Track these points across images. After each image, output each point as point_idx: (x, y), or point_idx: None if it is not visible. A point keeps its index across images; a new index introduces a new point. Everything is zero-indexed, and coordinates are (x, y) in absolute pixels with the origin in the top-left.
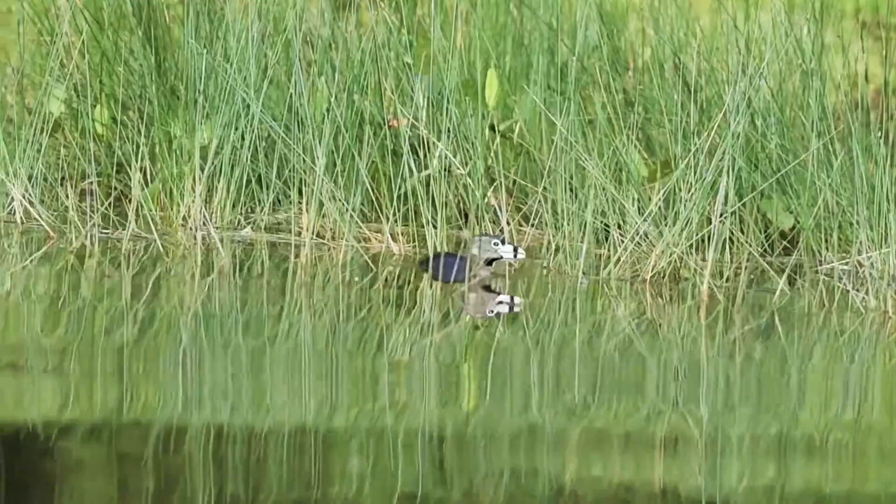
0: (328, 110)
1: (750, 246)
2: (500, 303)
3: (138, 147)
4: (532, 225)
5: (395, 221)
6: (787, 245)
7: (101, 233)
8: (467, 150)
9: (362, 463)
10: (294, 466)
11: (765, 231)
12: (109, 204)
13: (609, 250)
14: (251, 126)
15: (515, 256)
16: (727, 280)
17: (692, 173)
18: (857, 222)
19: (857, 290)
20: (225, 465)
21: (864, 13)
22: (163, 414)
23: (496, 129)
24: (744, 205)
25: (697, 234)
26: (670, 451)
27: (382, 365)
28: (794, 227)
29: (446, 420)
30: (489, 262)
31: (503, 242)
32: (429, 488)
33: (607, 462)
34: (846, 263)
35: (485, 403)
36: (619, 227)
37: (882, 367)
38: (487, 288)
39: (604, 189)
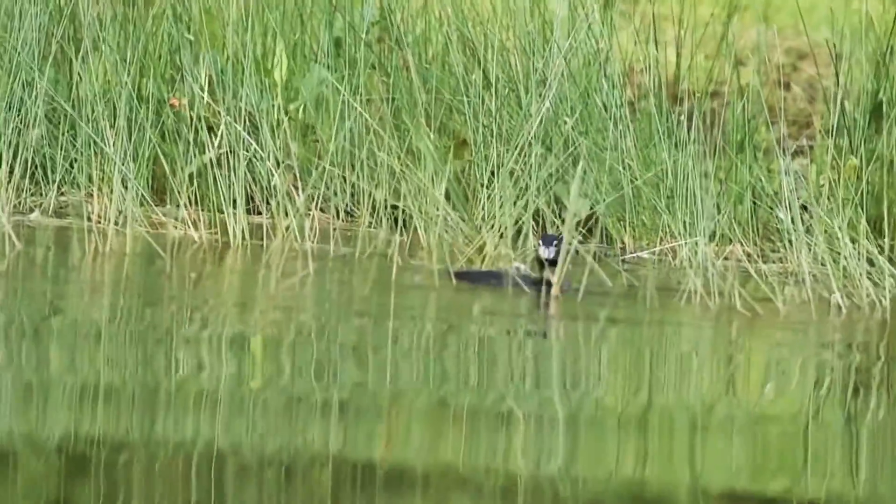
0: (107, 89)
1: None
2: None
3: None
4: (321, 209)
5: (188, 205)
6: (585, 232)
7: None
8: (256, 131)
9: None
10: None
11: (559, 216)
12: None
13: (408, 237)
14: (35, 106)
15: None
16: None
17: (491, 158)
18: (665, 208)
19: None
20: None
21: None
22: None
23: (284, 108)
24: (538, 190)
25: (509, 221)
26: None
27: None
28: (591, 214)
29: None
30: (541, 263)
31: (546, 243)
32: None
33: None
34: (654, 253)
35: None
36: (421, 212)
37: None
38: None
39: (398, 172)
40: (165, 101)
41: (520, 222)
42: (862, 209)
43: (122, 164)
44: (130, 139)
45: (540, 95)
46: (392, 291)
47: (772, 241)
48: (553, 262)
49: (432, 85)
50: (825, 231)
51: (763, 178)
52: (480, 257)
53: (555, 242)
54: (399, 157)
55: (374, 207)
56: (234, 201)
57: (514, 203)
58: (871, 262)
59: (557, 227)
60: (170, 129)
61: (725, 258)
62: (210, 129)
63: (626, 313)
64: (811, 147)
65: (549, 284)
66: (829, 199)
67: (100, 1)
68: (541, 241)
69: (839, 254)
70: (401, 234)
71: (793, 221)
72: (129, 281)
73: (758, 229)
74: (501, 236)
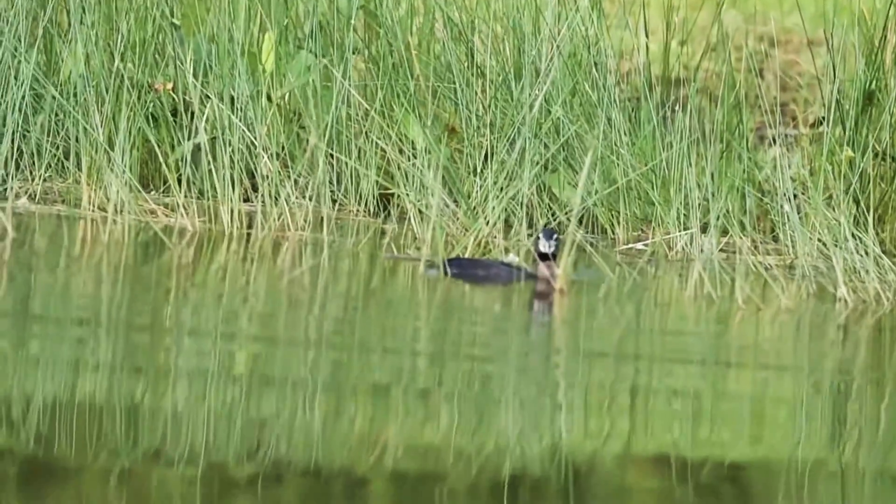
0: (87, 73)
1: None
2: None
3: None
4: (309, 198)
5: (178, 192)
6: (577, 224)
7: None
8: (243, 116)
9: None
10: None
11: (549, 207)
12: None
13: (400, 226)
14: (21, 91)
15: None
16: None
17: (485, 147)
18: (658, 198)
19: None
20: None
21: None
22: None
23: (270, 96)
24: (531, 181)
25: (500, 212)
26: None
27: None
28: (582, 204)
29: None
30: (542, 257)
31: (547, 237)
32: None
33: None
34: (647, 244)
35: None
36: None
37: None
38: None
39: (390, 157)
40: (152, 86)
41: (510, 212)
42: (866, 202)
43: (112, 151)
44: (118, 126)
45: (531, 85)
46: (385, 285)
47: (771, 231)
48: (552, 257)
49: (428, 72)
50: (825, 222)
51: (766, 167)
52: (476, 247)
53: (555, 236)
54: (391, 140)
55: (362, 196)
56: (226, 189)
57: (506, 192)
58: (867, 254)
59: (548, 217)
60: (157, 115)
61: (722, 250)
62: (196, 114)
63: (631, 308)
64: (794, 136)
65: (546, 281)
66: (824, 190)
67: None
68: (541, 235)
69: (839, 247)
70: (386, 222)
71: (794, 212)
72: (133, 272)
73: (755, 221)
74: (495, 226)
